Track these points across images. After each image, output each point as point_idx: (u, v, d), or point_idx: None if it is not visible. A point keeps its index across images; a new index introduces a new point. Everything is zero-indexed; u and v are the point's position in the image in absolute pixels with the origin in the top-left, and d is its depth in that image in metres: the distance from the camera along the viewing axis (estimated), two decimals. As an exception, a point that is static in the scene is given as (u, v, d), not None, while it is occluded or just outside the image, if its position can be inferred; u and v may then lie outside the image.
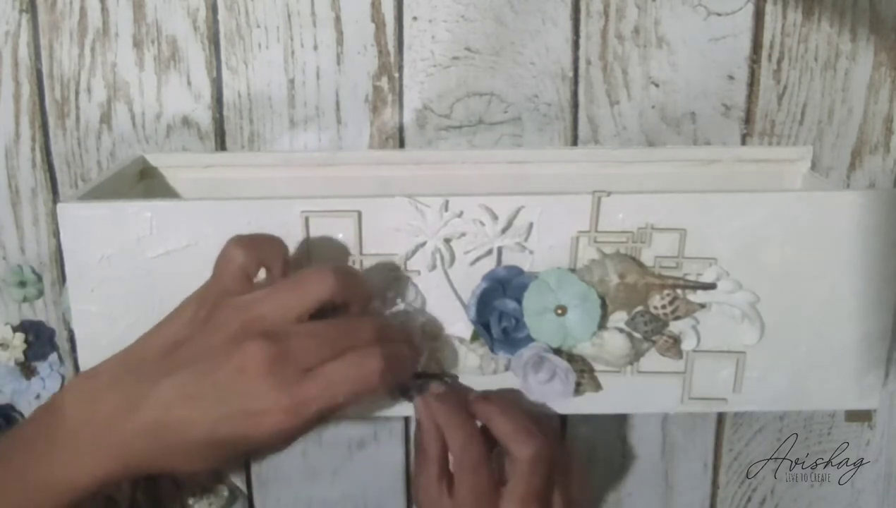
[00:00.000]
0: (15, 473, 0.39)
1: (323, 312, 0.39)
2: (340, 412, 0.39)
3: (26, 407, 0.57)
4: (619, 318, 0.44)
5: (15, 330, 0.55)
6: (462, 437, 0.43)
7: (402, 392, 0.45)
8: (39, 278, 0.55)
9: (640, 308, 0.44)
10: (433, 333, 0.44)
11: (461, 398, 0.45)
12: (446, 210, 0.42)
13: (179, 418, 0.37)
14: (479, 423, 0.44)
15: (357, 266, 0.43)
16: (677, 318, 0.44)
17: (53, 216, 0.54)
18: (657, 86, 0.53)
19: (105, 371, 0.40)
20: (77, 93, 0.52)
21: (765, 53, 0.52)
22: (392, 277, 0.43)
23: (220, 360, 0.37)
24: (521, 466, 0.42)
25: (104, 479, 0.39)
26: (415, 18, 0.51)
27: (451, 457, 0.44)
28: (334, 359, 0.38)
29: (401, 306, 0.44)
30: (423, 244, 0.43)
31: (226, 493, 0.58)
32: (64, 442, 0.39)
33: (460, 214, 0.42)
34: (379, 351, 0.39)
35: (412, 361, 0.43)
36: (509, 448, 0.43)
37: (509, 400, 0.44)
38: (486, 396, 0.45)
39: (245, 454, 0.39)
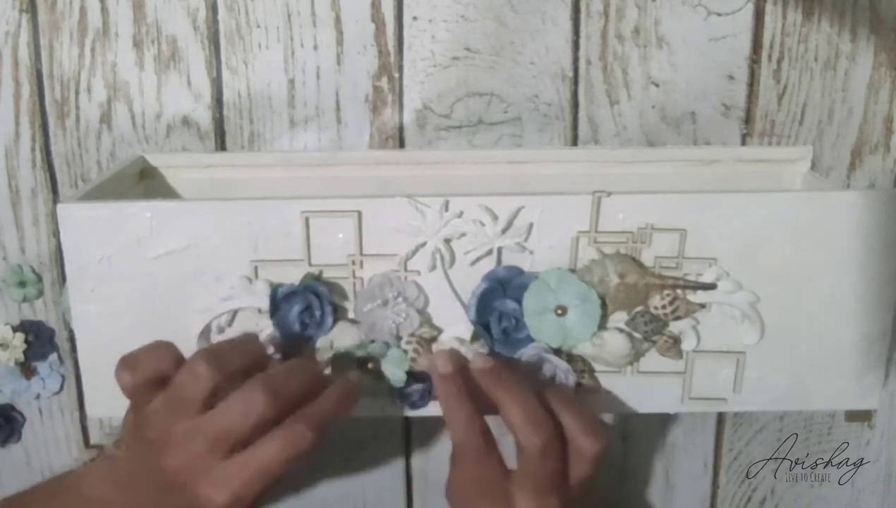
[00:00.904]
0: None
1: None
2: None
3: (26, 407, 0.57)
4: (619, 318, 0.44)
5: (15, 330, 0.55)
6: (462, 430, 0.43)
7: (403, 398, 0.45)
8: (39, 278, 0.55)
9: (640, 308, 0.44)
10: (433, 334, 0.44)
11: (463, 380, 0.43)
12: (446, 210, 0.42)
13: None
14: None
15: (357, 266, 0.43)
16: (677, 318, 0.44)
17: (53, 216, 0.54)
18: (657, 86, 0.53)
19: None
20: (77, 93, 0.52)
21: (765, 53, 0.52)
22: (393, 276, 0.43)
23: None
24: (530, 456, 0.41)
25: None
26: (415, 18, 0.51)
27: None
28: (252, 447, 0.39)
29: (402, 305, 0.44)
30: (424, 244, 0.43)
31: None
32: None
33: (460, 214, 0.42)
34: (301, 416, 0.39)
35: (343, 399, 0.42)
36: (518, 437, 0.42)
37: (519, 380, 0.43)
38: (496, 371, 0.43)
39: None
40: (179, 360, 0.41)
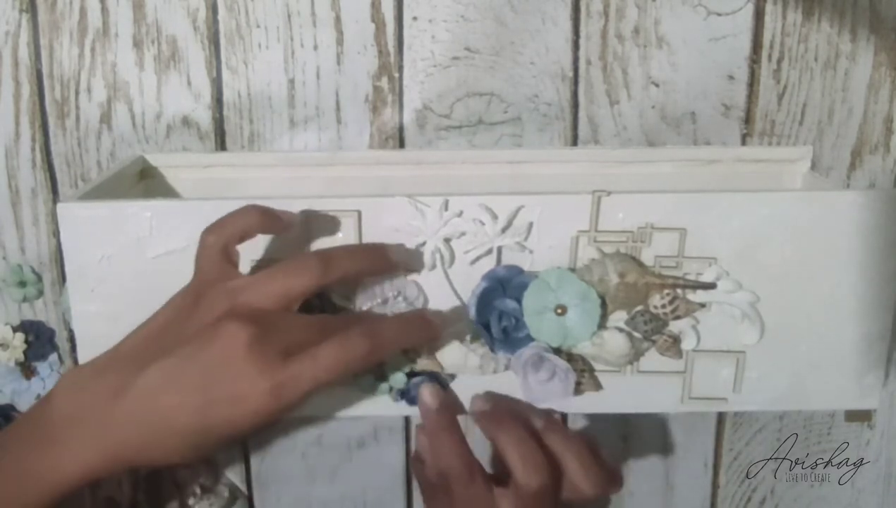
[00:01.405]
0: (6, 468, 0.39)
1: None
2: (326, 389, 0.39)
3: (26, 407, 0.57)
4: (619, 318, 0.44)
5: (15, 330, 0.55)
6: (448, 458, 0.42)
7: (402, 393, 0.45)
8: (39, 278, 0.55)
9: (640, 307, 0.44)
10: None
11: (452, 410, 0.44)
12: (446, 210, 0.42)
13: (166, 405, 0.37)
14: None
15: None
16: (677, 318, 0.44)
17: (53, 216, 0.54)
18: (657, 86, 0.53)
19: (94, 362, 0.40)
20: (77, 93, 0.52)
21: (765, 53, 0.52)
22: (394, 275, 0.43)
23: (203, 343, 0.37)
24: (524, 497, 0.41)
25: (92, 472, 0.38)
26: (415, 18, 0.51)
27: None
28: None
29: (402, 305, 0.44)
30: (423, 244, 0.43)
31: (226, 493, 0.58)
32: (52, 435, 0.38)
33: (460, 214, 0.42)
34: (365, 329, 0.39)
35: (413, 328, 0.42)
36: (514, 476, 0.41)
37: (517, 420, 0.43)
38: (495, 413, 0.43)
39: (233, 439, 0.39)
40: (267, 217, 0.40)
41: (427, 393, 0.44)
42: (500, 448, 0.42)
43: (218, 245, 0.40)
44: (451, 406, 0.45)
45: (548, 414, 0.45)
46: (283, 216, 0.41)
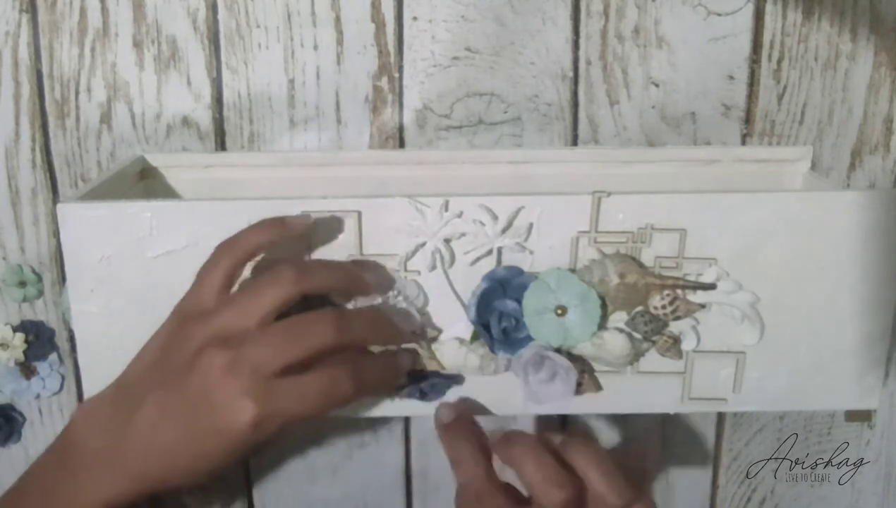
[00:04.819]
0: (35, 497, 0.41)
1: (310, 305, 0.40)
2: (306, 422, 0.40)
3: (26, 407, 0.57)
4: (619, 318, 0.44)
5: (15, 330, 0.55)
6: (469, 474, 0.42)
7: (413, 391, 0.45)
8: (39, 278, 0.55)
9: (640, 308, 0.44)
10: (433, 333, 0.44)
11: (469, 425, 0.44)
12: (446, 210, 0.42)
13: (164, 438, 0.39)
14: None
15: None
16: (677, 318, 0.44)
17: (53, 216, 0.54)
18: (657, 86, 0.53)
19: (104, 394, 0.41)
20: (77, 93, 0.52)
21: (765, 53, 0.52)
22: (395, 275, 0.43)
23: (185, 375, 0.38)
24: None
25: (113, 500, 0.40)
26: (415, 18, 0.51)
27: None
28: (308, 372, 0.38)
29: (403, 304, 0.44)
30: (423, 244, 0.43)
31: (225, 494, 0.58)
32: (74, 465, 0.40)
33: (460, 214, 0.42)
34: (351, 369, 0.39)
35: (392, 371, 0.43)
36: (536, 497, 0.41)
37: (534, 439, 0.43)
38: (511, 436, 0.43)
39: (237, 460, 0.39)
40: (282, 228, 0.41)
41: (444, 410, 0.44)
42: (517, 468, 0.41)
43: (229, 263, 0.40)
44: (468, 420, 0.45)
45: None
46: (296, 223, 0.41)
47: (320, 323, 0.39)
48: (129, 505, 0.40)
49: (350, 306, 0.43)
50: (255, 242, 0.40)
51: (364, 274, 0.42)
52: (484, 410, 0.46)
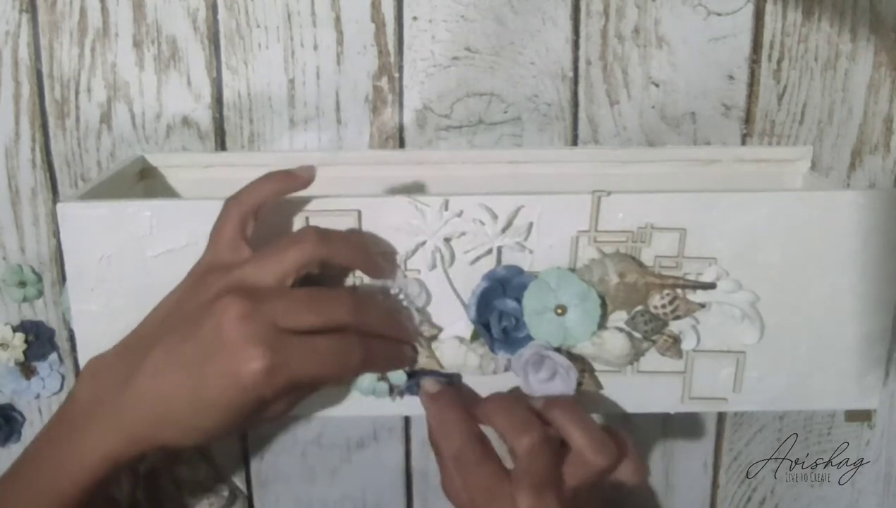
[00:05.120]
0: (37, 461, 0.40)
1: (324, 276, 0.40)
2: (309, 390, 0.40)
3: (26, 407, 0.57)
4: (619, 318, 0.44)
5: (15, 330, 0.55)
6: (458, 438, 0.42)
7: (413, 390, 0.45)
8: (39, 278, 0.55)
9: (640, 307, 0.44)
10: (433, 332, 0.44)
11: (455, 394, 0.44)
12: (446, 209, 0.42)
13: (167, 384, 0.38)
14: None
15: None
16: (677, 318, 0.44)
17: (53, 216, 0.54)
18: (657, 86, 0.53)
19: (111, 350, 0.41)
20: (77, 93, 0.52)
21: (765, 53, 0.52)
22: (396, 275, 0.44)
23: (199, 320, 0.38)
24: (521, 457, 0.41)
25: (112, 456, 0.39)
26: (415, 18, 0.51)
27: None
28: (319, 334, 0.39)
29: (404, 303, 0.44)
30: (423, 243, 0.43)
31: (226, 493, 0.58)
32: (73, 423, 0.40)
33: (460, 214, 0.42)
34: (362, 341, 0.40)
35: (397, 359, 0.43)
36: (508, 442, 0.42)
37: (507, 396, 0.44)
38: (484, 399, 0.44)
39: (233, 422, 0.39)
40: (288, 179, 0.41)
41: (429, 382, 0.45)
42: (490, 422, 0.42)
43: (238, 215, 0.40)
44: (452, 391, 0.45)
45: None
46: (302, 173, 0.42)
47: (340, 300, 0.40)
48: (132, 461, 0.40)
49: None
50: (263, 193, 0.41)
51: (378, 260, 0.43)
52: (471, 391, 0.46)
